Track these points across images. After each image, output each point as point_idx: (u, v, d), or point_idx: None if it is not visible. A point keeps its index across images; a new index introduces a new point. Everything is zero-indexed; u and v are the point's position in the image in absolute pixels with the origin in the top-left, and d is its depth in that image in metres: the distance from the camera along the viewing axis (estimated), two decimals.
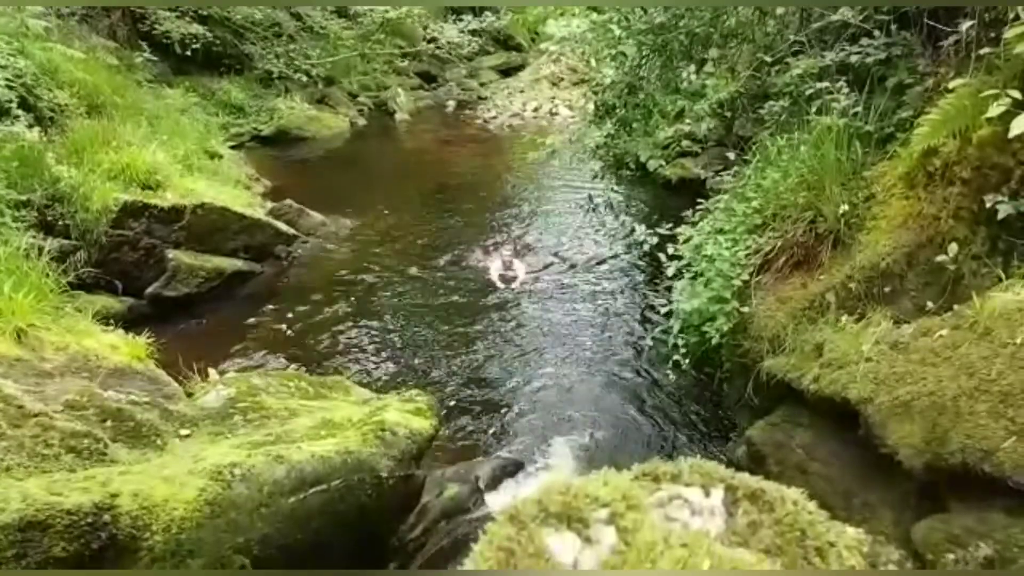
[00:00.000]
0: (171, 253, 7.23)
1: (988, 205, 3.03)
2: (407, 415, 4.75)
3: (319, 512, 3.67)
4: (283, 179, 11.69)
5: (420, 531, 4.80)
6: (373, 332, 7.27)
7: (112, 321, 5.06)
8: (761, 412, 4.20)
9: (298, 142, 14.22)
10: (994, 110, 2.71)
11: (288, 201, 9.78)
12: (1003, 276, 2.88)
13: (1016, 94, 2.68)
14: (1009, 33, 2.78)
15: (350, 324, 7.38)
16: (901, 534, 2.80)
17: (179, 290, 7.27)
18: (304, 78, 15.12)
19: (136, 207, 6.86)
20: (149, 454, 3.64)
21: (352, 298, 7.94)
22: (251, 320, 7.36)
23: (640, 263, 8.44)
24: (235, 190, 9.49)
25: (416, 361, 6.77)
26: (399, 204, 11.17)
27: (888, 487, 2.98)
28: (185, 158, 8.83)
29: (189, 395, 4.44)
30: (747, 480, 1.26)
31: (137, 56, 11.56)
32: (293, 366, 6.53)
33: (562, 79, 18.59)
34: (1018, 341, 2.51)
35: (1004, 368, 2.50)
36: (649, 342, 5.43)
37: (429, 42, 18.56)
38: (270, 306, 7.71)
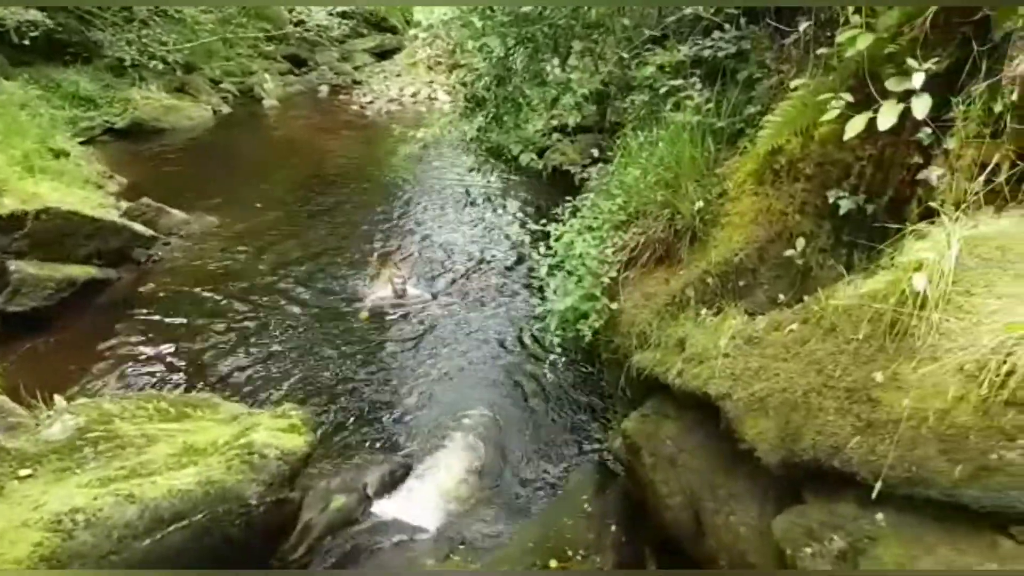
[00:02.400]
0: (13, 264, 6.68)
1: (831, 200, 3.15)
2: (279, 433, 4.54)
3: (179, 550, 3.47)
4: (140, 175, 11.05)
5: (304, 550, 4.65)
6: (245, 342, 6.92)
7: None
8: (636, 405, 4.27)
9: (156, 134, 13.53)
10: (830, 113, 2.80)
11: (145, 200, 9.24)
12: (846, 270, 3.01)
13: (849, 97, 2.77)
14: (840, 36, 2.87)
15: (219, 333, 7.01)
16: (764, 526, 2.88)
17: (25, 304, 6.73)
18: (160, 65, 14.23)
19: None
20: None
21: (220, 304, 7.53)
22: (108, 334, 6.86)
23: (521, 262, 8.44)
24: (85, 191, 8.86)
25: (295, 372, 6.51)
26: (270, 197, 10.73)
27: (751, 479, 3.07)
28: (25, 159, 8.16)
29: (38, 425, 4.07)
30: None
31: None
32: (156, 383, 6.17)
33: (439, 63, 18.35)
34: (860, 336, 2.61)
35: (849, 364, 2.59)
36: (528, 341, 5.44)
37: (296, 25, 17.84)
38: (129, 316, 7.25)
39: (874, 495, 2.32)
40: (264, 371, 6.50)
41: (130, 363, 6.48)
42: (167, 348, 6.74)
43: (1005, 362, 2.19)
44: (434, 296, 7.85)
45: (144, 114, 13.53)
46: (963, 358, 2.29)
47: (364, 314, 7.41)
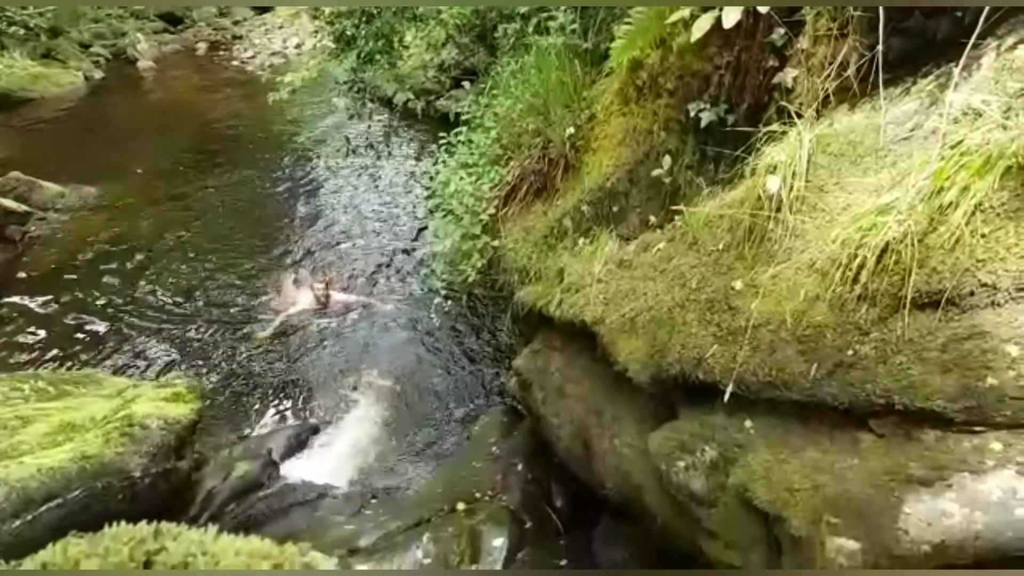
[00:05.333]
0: None
1: (692, 114, 3.06)
2: (161, 403, 4.38)
3: (57, 530, 3.24)
4: (8, 148, 10.46)
5: (206, 519, 4.50)
6: (136, 318, 6.63)
7: None
8: (527, 341, 4.21)
9: (23, 104, 12.74)
10: (677, 15, 2.70)
11: (15, 174, 8.69)
12: (707, 183, 2.96)
13: None
14: None
15: (106, 310, 6.71)
16: (644, 446, 2.87)
17: None
18: (21, 31, 13.14)
19: None
20: None
21: (106, 279, 7.19)
22: None
23: (411, 208, 8.21)
24: None
25: (190, 348, 6.26)
26: (151, 163, 10.24)
27: (630, 400, 3.05)
28: None
29: None
30: None
31: None
32: (37, 363, 5.85)
33: (325, 11, 17.52)
34: (720, 247, 2.58)
35: (708, 275, 2.56)
36: (422, 289, 5.32)
37: None
38: (7, 296, 6.90)
39: (725, 398, 2.31)
40: (157, 347, 6.24)
41: (10, 344, 6.18)
42: (50, 326, 6.42)
43: (856, 255, 2.17)
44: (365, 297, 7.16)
45: (8, 84, 12.74)
46: (815, 256, 2.28)
47: (262, 334, 6.47)
